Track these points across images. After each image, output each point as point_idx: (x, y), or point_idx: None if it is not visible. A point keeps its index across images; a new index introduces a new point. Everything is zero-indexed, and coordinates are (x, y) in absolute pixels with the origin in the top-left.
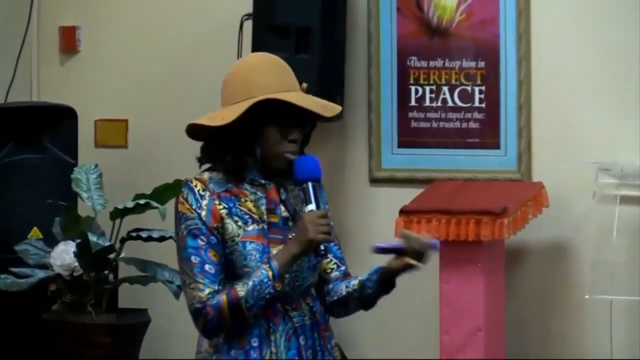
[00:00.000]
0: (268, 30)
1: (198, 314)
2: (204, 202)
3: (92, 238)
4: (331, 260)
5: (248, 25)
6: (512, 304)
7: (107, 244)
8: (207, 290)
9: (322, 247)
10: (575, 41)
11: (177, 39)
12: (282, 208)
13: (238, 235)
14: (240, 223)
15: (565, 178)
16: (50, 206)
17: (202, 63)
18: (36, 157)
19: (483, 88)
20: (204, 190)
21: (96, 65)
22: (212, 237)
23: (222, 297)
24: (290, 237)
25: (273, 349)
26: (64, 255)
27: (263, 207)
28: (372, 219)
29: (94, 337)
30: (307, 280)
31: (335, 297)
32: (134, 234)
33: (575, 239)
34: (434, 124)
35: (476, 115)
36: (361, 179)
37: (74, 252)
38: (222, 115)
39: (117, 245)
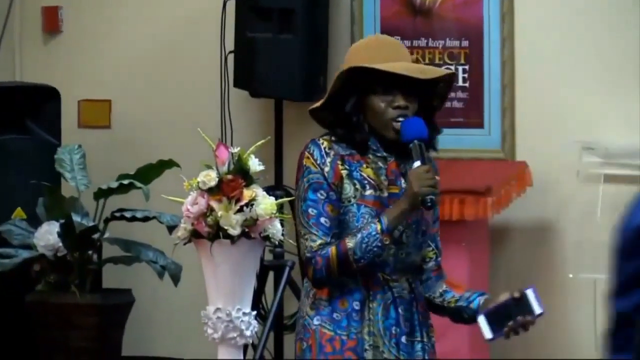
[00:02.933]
0: (251, 11)
1: (308, 263)
2: (328, 159)
3: (76, 218)
4: (432, 250)
5: (231, 6)
6: (496, 283)
7: (91, 224)
8: (318, 241)
9: (428, 200)
10: (559, 21)
11: (161, 19)
12: (403, 180)
13: (355, 197)
14: (358, 186)
15: (549, 157)
16: (33, 187)
17: (186, 43)
18: (19, 138)
19: (467, 67)
20: (329, 148)
21: (79, 45)
22: (332, 193)
23: (332, 248)
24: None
25: (371, 316)
26: (48, 235)
27: (382, 177)
28: None
29: (78, 317)
30: (411, 256)
31: (428, 295)
32: (117, 214)
33: (559, 217)
34: None
35: (460, 94)
36: None
37: (58, 233)
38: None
39: (101, 226)
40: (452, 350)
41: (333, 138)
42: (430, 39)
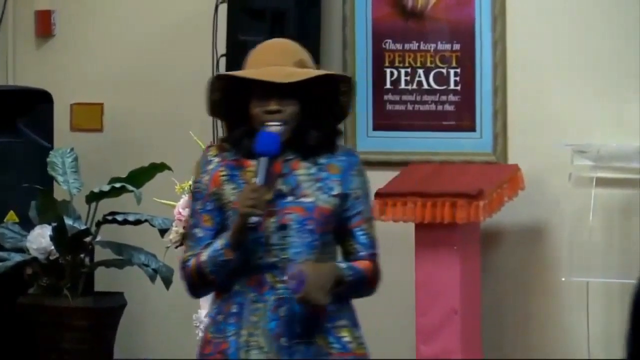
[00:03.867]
0: (243, 14)
1: (181, 272)
2: (210, 167)
3: (68, 221)
4: (352, 245)
5: (223, 8)
6: (488, 286)
7: (83, 227)
8: (189, 252)
9: (251, 221)
10: (551, 23)
11: (153, 23)
12: (279, 182)
13: (231, 202)
14: (236, 191)
15: (541, 160)
16: (26, 190)
17: (178, 47)
18: (12, 141)
19: (458, 70)
20: (214, 155)
21: (72, 49)
22: (208, 203)
23: (192, 260)
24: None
25: (253, 318)
26: (40, 238)
27: None
28: None
29: (70, 321)
30: (301, 255)
31: None
32: (109, 218)
33: (551, 221)
34: (410, 107)
35: (451, 97)
36: None
37: (50, 236)
38: None
39: (93, 229)
40: (444, 352)
41: (226, 145)
42: (422, 42)
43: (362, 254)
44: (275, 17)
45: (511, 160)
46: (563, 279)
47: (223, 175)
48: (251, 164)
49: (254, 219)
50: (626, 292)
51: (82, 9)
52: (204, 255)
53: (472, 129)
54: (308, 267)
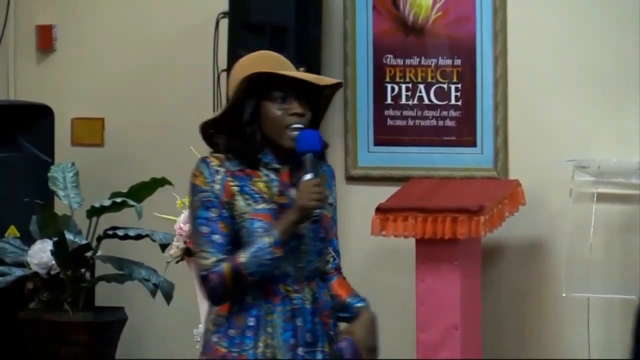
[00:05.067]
0: (243, 29)
1: (203, 281)
2: (218, 177)
3: (69, 236)
4: (330, 254)
5: (224, 23)
6: (489, 302)
7: (84, 242)
8: (212, 259)
9: (316, 213)
10: (551, 39)
11: (154, 38)
12: (293, 191)
13: (247, 213)
14: (250, 201)
15: (542, 176)
16: (26, 204)
17: (179, 62)
18: (12, 156)
19: (459, 86)
20: (219, 166)
21: (73, 63)
22: (223, 210)
23: (225, 264)
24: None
25: (269, 330)
26: (41, 253)
27: (275, 189)
28: (349, 217)
29: (71, 335)
30: (312, 264)
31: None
32: (110, 232)
33: (551, 236)
34: (410, 122)
35: (452, 113)
36: (337, 177)
37: (51, 251)
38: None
39: (94, 244)
40: None
41: (224, 155)
42: (422, 58)
43: (336, 261)
44: (276, 32)
45: (512, 176)
46: (564, 295)
47: (234, 186)
48: (260, 174)
49: (317, 212)
50: (627, 307)
51: (83, 24)
52: (244, 257)
53: (473, 144)
54: (353, 331)
